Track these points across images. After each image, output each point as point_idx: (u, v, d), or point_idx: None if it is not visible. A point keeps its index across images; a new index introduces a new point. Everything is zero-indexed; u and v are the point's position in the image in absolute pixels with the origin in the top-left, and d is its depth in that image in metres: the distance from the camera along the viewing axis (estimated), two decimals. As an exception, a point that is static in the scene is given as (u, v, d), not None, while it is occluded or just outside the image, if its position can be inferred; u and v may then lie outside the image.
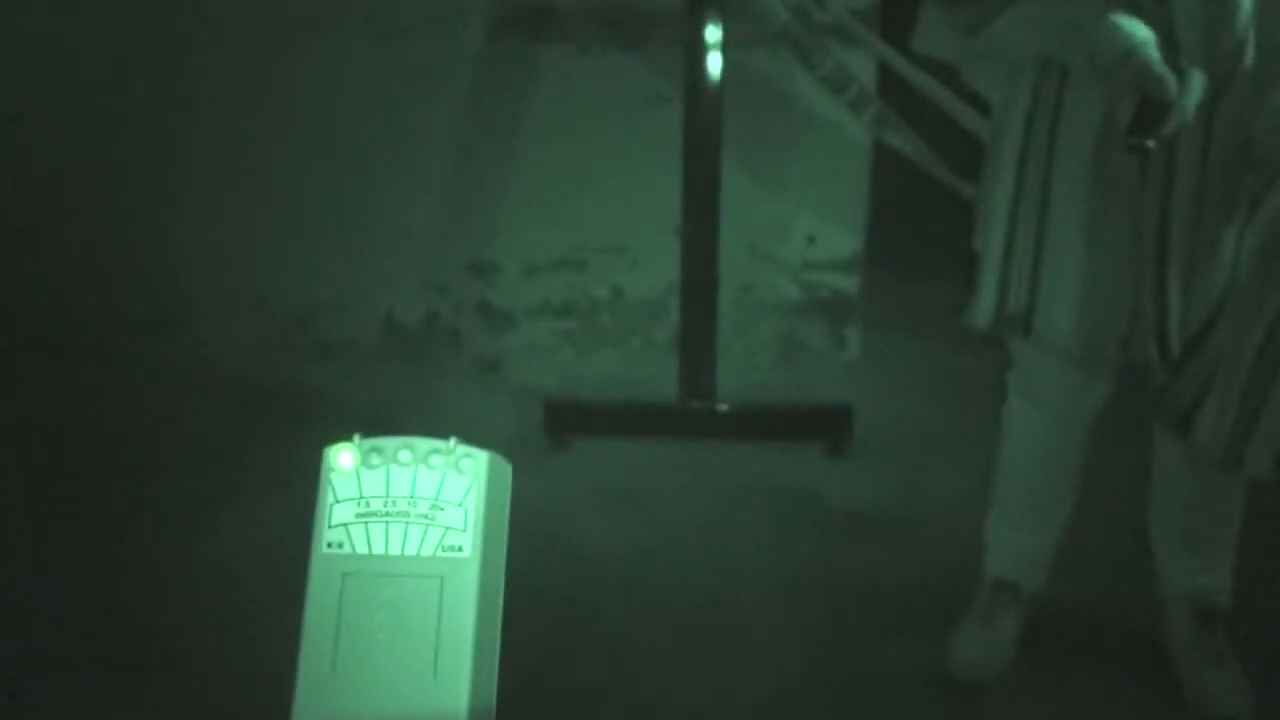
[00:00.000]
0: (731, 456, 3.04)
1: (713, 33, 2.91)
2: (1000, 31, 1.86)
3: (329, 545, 0.65)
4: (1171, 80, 1.66)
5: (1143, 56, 1.67)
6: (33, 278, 3.50)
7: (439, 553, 0.64)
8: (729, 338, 3.48)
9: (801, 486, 2.92)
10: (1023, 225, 1.97)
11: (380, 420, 3.21)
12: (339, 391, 3.36)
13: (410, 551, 0.64)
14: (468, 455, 0.66)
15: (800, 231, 3.56)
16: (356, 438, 0.66)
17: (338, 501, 0.65)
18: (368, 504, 0.65)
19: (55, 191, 3.49)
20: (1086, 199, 1.90)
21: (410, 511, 0.65)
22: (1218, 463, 1.97)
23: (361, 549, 0.64)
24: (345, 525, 0.65)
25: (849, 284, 3.60)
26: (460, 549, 0.64)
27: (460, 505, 0.65)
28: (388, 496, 0.65)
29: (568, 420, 3.12)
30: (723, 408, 3.13)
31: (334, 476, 0.66)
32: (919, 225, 3.72)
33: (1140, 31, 1.70)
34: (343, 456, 0.66)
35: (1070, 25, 1.78)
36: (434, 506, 0.65)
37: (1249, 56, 1.75)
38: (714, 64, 2.93)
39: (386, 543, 0.64)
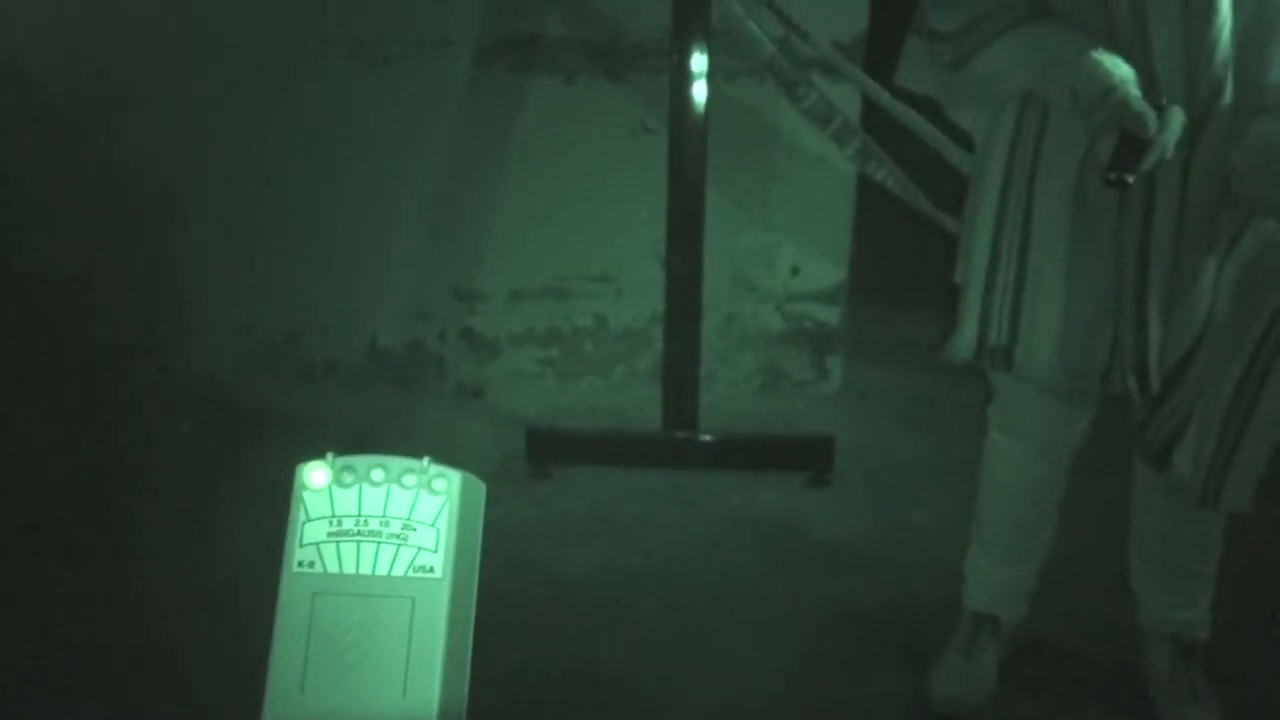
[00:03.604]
0: (714, 486, 3.03)
1: (698, 63, 2.93)
2: (983, 67, 1.87)
3: (300, 564, 0.65)
4: (1152, 117, 1.67)
5: (1123, 93, 1.68)
6: (20, 300, 3.49)
7: (410, 573, 0.64)
8: (712, 367, 3.49)
9: (784, 516, 2.92)
10: (1004, 259, 1.98)
11: (361, 446, 3.20)
12: (321, 416, 3.36)
13: (381, 572, 0.64)
14: (441, 475, 0.66)
15: (784, 262, 3.58)
16: (329, 455, 0.66)
17: (309, 520, 0.65)
18: (340, 523, 0.65)
19: (43, 215, 3.49)
20: (1067, 233, 1.91)
21: (382, 531, 0.64)
22: (1196, 497, 1.97)
23: (333, 568, 0.64)
24: (316, 544, 0.64)
25: (832, 315, 3.61)
26: (432, 570, 0.64)
27: (433, 526, 0.65)
28: (360, 515, 0.65)
29: (550, 448, 3.12)
30: (705, 437, 3.13)
31: (306, 494, 0.66)
32: (902, 258, 3.75)
33: (1120, 69, 1.72)
34: (315, 474, 0.65)
35: (1052, 62, 1.79)
36: (406, 526, 0.65)
37: (1228, 93, 1.77)
38: (699, 95, 2.94)
39: (358, 562, 0.64)
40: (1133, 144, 1.67)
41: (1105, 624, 2.37)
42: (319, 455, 0.67)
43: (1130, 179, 1.67)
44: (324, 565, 0.64)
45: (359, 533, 0.64)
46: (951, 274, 2.12)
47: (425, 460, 0.66)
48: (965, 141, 2.63)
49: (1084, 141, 1.82)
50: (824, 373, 3.66)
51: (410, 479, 0.65)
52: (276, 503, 0.86)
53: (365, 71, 3.40)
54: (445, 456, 0.77)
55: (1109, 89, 1.69)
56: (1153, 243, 1.86)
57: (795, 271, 3.58)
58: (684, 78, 2.94)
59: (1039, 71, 1.83)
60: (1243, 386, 1.91)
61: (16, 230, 3.48)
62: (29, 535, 2.72)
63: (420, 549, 0.64)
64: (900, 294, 4.01)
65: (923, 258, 3.07)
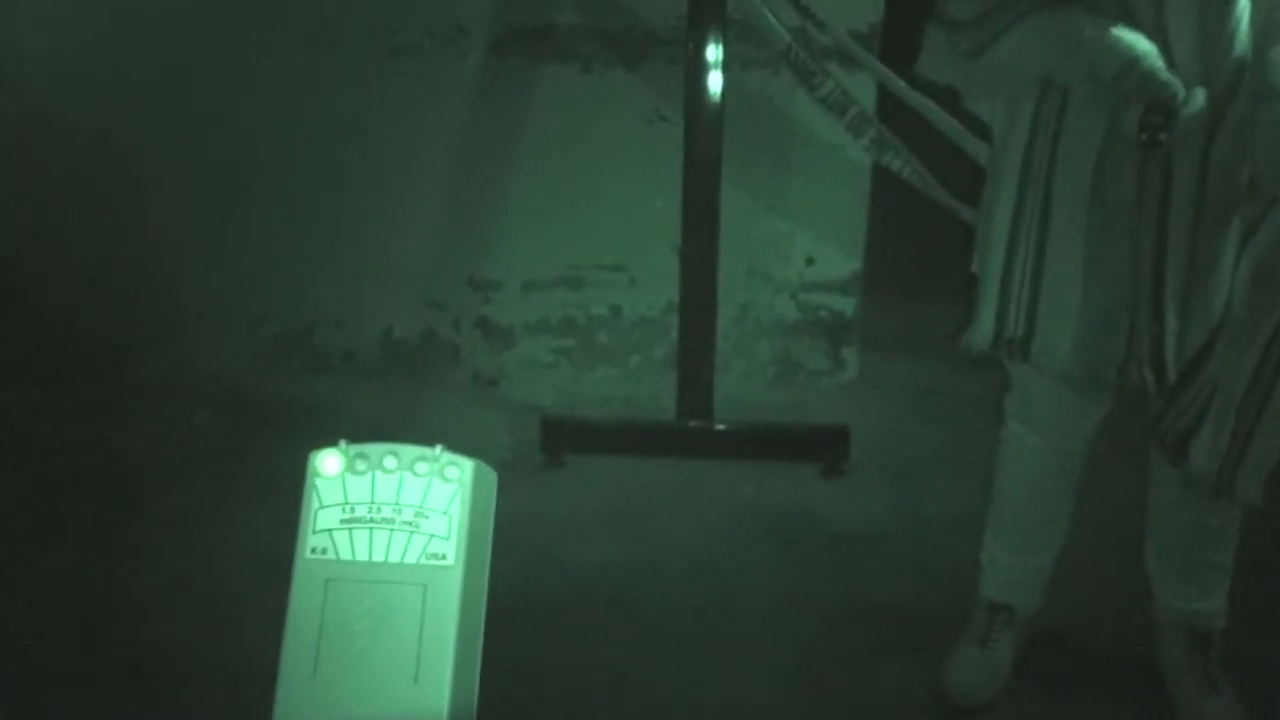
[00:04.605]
0: (728, 476, 3.03)
1: (713, 53, 2.92)
2: (1001, 54, 1.87)
3: (313, 551, 0.65)
4: (1178, 85, 1.67)
5: (1148, 66, 1.69)
6: (33, 292, 3.50)
7: (423, 560, 0.64)
8: (727, 357, 3.49)
9: (798, 506, 2.92)
10: (1021, 249, 1.97)
11: (377, 435, 3.21)
12: (336, 406, 3.37)
13: (394, 559, 0.64)
14: (453, 463, 0.66)
15: (799, 252, 3.57)
16: (342, 443, 0.66)
17: (323, 507, 0.65)
18: (352, 510, 0.65)
19: (55, 205, 3.50)
20: (1085, 224, 1.90)
21: (395, 518, 0.64)
22: (1210, 489, 1.97)
23: (345, 555, 0.64)
24: (329, 531, 0.65)
25: (847, 305, 3.61)
26: (444, 557, 0.64)
27: (445, 513, 0.65)
28: (372, 503, 0.65)
29: (565, 438, 3.12)
30: (720, 427, 3.13)
31: (319, 482, 0.66)
32: (917, 248, 3.74)
33: (1142, 44, 1.73)
34: (328, 461, 0.66)
35: (1073, 43, 1.79)
36: (419, 514, 0.64)
37: (1246, 83, 1.76)
38: (714, 84, 2.94)
39: (370, 549, 0.64)
40: (1160, 112, 1.67)
41: (1121, 615, 2.36)
42: (332, 443, 0.67)
43: (1163, 138, 1.67)
44: (337, 552, 0.64)
45: (372, 520, 0.64)
46: (968, 264, 2.12)
47: (438, 448, 0.66)
48: (982, 131, 2.62)
49: (1102, 132, 1.82)
50: (839, 363, 3.65)
51: (423, 467, 0.65)
52: (292, 495, 0.86)
53: (378, 62, 3.40)
54: (460, 445, 0.77)
55: (1133, 61, 1.70)
56: (1170, 233, 1.85)
57: (810, 261, 3.57)
58: (699, 67, 2.94)
59: (1059, 54, 1.83)
60: (1257, 378, 1.90)
61: (29, 224, 3.49)
62: (41, 528, 2.73)
63: (433, 536, 0.64)
64: (915, 284, 3.99)
65: (938, 248, 3.06)
